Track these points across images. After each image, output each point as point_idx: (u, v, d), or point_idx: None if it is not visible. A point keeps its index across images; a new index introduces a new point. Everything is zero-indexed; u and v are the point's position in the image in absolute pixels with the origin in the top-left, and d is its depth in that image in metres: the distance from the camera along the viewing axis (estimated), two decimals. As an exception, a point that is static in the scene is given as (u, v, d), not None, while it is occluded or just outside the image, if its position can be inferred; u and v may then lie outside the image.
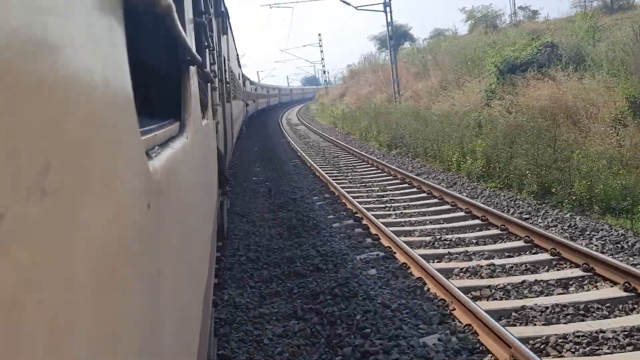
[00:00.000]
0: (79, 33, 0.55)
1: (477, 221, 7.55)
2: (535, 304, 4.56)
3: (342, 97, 41.19)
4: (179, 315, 1.15)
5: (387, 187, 10.68)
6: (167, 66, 1.77)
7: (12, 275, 0.37)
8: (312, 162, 14.05)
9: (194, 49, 1.82)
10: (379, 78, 33.14)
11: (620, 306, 4.52)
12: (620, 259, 5.52)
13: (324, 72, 63.74)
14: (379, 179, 11.71)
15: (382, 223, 7.37)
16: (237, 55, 15.15)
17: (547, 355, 3.82)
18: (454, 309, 4.55)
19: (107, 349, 0.58)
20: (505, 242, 6.55)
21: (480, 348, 3.98)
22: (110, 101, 0.65)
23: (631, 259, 5.60)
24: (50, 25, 0.46)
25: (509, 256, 6.01)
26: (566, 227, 6.95)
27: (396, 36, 50.38)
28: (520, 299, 4.80)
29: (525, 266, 5.61)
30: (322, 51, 60.41)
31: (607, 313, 4.43)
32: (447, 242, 6.71)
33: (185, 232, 1.36)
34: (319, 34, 60.11)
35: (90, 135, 0.55)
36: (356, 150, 16.26)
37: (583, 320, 4.30)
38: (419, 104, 21.36)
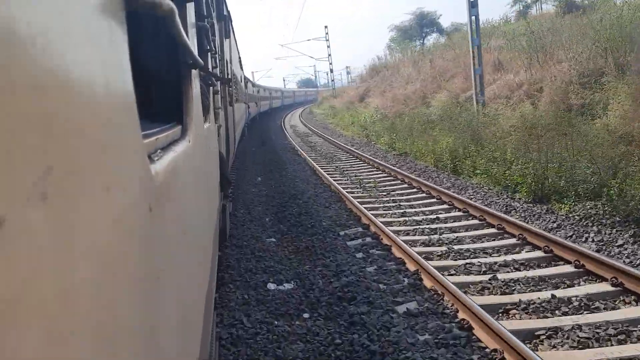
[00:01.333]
0: (81, 36, 0.54)
1: None
2: None
3: (363, 99, 33.49)
4: (180, 319, 1.14)
5: None
6: (169, 69, 1.77)
7: (13, 279, 0.37)
8: (412, 252, 5.58)
9: (196, 53, 1.82)
10: (426, 71, 24.50)
11: None
12: None
13: (331, 71, 51.86)
14: None
15: None
16: (240, 58, 15.17)
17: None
18: None
19: (108, 354, 0.57)
20: None
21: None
22: (112, 104, 0.64)
23: None
24: (52, 29, 0.46)
25: None
26: None
27: (420, 25, 43.59)
28: None
29: None
30: (329, 46, 48.83)
31: None
32: None
33: (186, 236, 1.36)
34: (326, 26, 48.54)
35: (92, 139, 0.55)
36: (472, 203, 7.57)
37: None
38: (536, 105, 12.50)
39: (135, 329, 0.71)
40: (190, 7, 2.00)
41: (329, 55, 50.19)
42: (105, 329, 0.57)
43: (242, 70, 17.44)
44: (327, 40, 49.45)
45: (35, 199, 0.41)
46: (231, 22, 8.73)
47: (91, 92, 0.56)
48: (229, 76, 7.48)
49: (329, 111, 39.59)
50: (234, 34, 10.42)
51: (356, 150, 16.19)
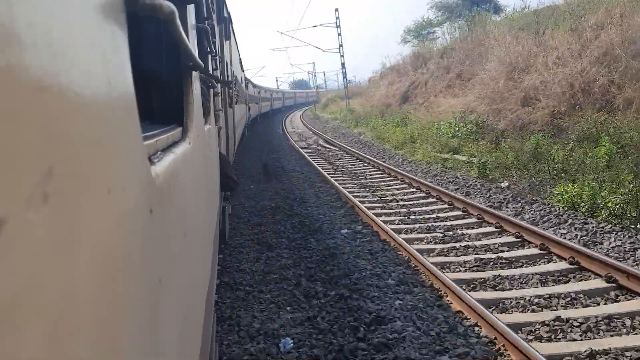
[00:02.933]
0: (82, 38, 0.55)
1: None
2: None
3: (406, 99, 23.84)
4: (180, 322, 1.14)
5: None
6: (170, 72, 1.78)
7: (14, 281, 0.37)
8: None
9: (196, 55, 1.82)
10: (569, 46, 13.53)
11: None
12: None
13: (343, 65, 38.18)
14: None
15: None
16: (240, 59, 15.17)
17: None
18: None
19: (109, 354, 0.57)
20: None
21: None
22: (112, 107, 0.65)
23: None
24: (53, 30, 0.46)
25: None
26: None
27: (471, 2, 32.61)
28: None
29: None
30: (340, 34, 37.06)
31: None
32: None
33: (187, 238, 1.36)
34: (336, 9, 36.63)
35: (93, 141, 0.55)
36: None
37: None
38: None
39: (136, 330, 0.71)
40: (191, 9, 2.00)
41: (340, 45, 37.22)
42: (106, 330, 0.57)
43: (243, 71, 17.44)
44: (337, 26, 36.93)
45: (36, 200, 0.41)
46: (231, 23, 8.74)
47: (92, 93, 0.56)
48: (229, 78, 7.49)
49: (347, 117, 30.61)
50: (234, 36, 10.43)
51: (536, 229, 6.31)
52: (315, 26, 39.89)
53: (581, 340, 4.05)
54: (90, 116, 0.55)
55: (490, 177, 10.29)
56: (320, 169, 13.40)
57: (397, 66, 31.28)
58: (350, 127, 26.56)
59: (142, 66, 1.67)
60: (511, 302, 4.77)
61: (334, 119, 33.91)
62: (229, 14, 8.03)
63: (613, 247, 5.94)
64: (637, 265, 5.39)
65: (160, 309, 0.88)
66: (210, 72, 3.21)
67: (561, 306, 4.66)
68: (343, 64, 37.95)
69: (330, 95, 53.39)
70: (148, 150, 0.97)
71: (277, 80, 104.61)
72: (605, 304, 4.69)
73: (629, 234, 6.24)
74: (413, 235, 7.07)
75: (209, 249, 2.30)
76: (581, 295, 4.84)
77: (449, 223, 7.52)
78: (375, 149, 17.17)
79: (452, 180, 10.71)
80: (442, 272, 5.46)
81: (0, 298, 0.35)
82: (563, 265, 5.56)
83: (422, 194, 9.65)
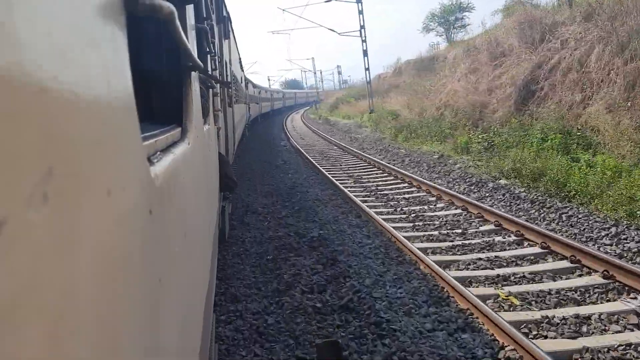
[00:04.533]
0: (82, 39, 0.55)
1: None
2: None
3: (529, 96, 12.88)
4: (180, 322, 1.15)
5: None
6: (169, 72, 1.78)
7: (14, 281, 0.37)
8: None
9: (195, 55, 1.83)
10: None
11: None
12: None
13: (365, 54, 28.07)
14: None
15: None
16: (240, 59, 15.14)
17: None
18: None
19: (109, 354, 0.58)
20: None
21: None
22: (112, 107, 0.65)
23: None
24: (53, 31, 0.46)
25: None
26: None
27: None
28: None
29: None
30: (361, 11, 27.46)
31: None
32: None
33: (187, 238, 1.36)
34: None
35: (92, 141, 0.56)
36: None
37: None
38: None
39: (135, 329, 0.71)
40: (190, 10, 2.00)
41: (362, 27, 27.73)
42: (106, 330, 0.57)
43: (243, 70, 17.42)
44: (358, 2, 27.53)
45: (36, 200, 0.41)
46: (230, 22, 8.75)
47: (91, 94, 0.56)
48: (229, 78, 7.50)
49: (384, 124, 20.98)
50: (233, 35, 10.43)
51: None
52: (329, 0, 28.84)
53: None
54: (89, 116, 0.55)
55: None
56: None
57: (483, 44, 19.06)
58: (399, 141, 16.74)
59: (142, 66, 1.67)
60: None
61: (359, 126, 24.98)
62: (227, 13, 8.03)
63: None
64: None
65: (160, 309, 0.88)
66: (210, 72, 3.22)
67: None
68: (365, 51, 28.27)
69: (341, 95, 43.74)
70: (147, 150, 0.97)
71: (269, 80, 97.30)
72: None
73: None
74: None
75: (208, 249, 2.30)
76: None
77: None
78: (595, 228, 6.66)
79: None
80: None
81: (0, 298, 0.35)
82: None
83: None
